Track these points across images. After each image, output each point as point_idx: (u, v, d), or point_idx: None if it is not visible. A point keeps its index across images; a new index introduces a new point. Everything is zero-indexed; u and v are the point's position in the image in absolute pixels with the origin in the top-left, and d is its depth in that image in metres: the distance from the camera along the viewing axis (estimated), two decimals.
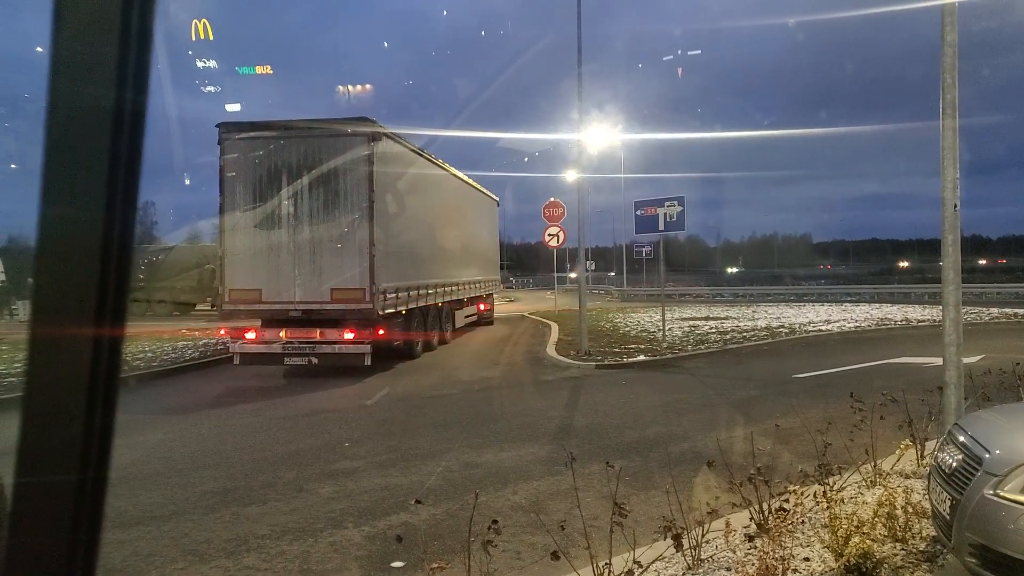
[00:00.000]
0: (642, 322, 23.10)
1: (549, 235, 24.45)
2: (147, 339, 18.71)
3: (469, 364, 14.71)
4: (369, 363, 13.09)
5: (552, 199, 24.95)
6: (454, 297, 18.34)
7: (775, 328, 20.34)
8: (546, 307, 31.11)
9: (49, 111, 0.39)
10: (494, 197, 24.60)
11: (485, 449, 7.40)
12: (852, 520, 4.07)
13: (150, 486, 6.31)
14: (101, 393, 0.42)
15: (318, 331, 13.06)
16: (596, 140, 22.82)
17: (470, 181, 20.76)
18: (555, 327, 20.99)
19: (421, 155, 15.69)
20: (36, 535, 0.42)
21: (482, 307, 23.14)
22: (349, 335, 12.98)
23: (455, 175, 18.96)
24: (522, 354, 16.19)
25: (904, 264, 79.67)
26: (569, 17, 15.24)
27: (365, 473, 6.63)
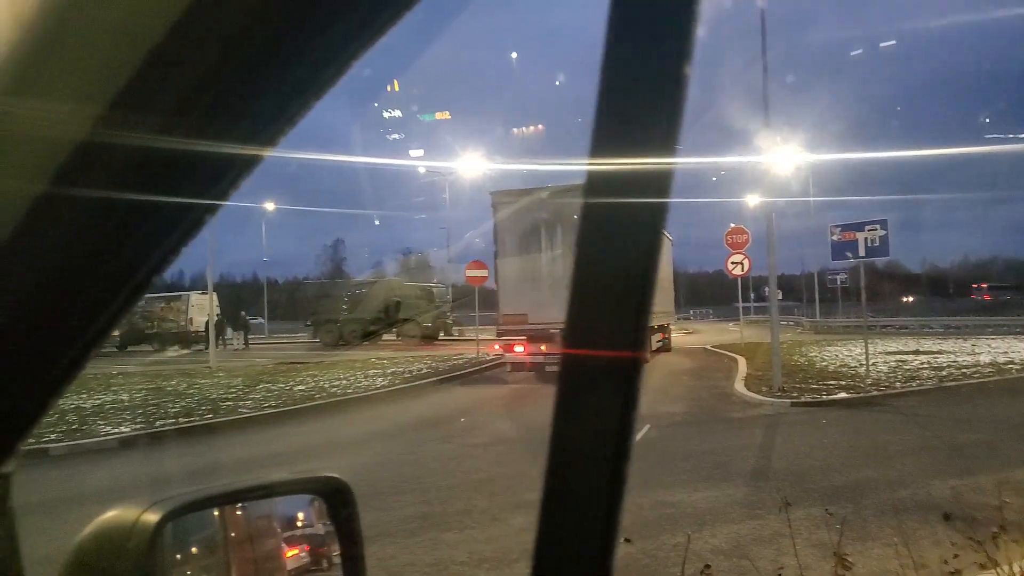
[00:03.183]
0: (840, 356, 21.39)
1: (732, 263, 23.46)
2: (354, 365, 20.12)
3: (654, 398, 14.37)
4: None
5: (734, 225, 23.99)
6: (651, 323, 20.28)
7: (1002, 364, 17.97)
8: (729, 339, 29.78)
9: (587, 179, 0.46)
10: (669, 237, 26.27)
11: (677, 488, 7.11)
12: None
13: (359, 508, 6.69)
14: (624, 414, 0.46)
15: None
16: (783, 161, 21.64)
17: None
18: (742, 361, 19.99)
19: None
20: (565, 541, 0.47)
21: (663, 336, 24.24)
22: None
23: None
24: (708, 389, 15.56)
25: None
26: (752, 30, 14.74)
27: None
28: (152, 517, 0.70)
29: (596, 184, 0.46)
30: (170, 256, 0.59)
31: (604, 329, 0.46)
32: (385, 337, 33.25)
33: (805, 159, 30.38)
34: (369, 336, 32.64)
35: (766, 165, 15.80)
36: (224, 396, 14.70)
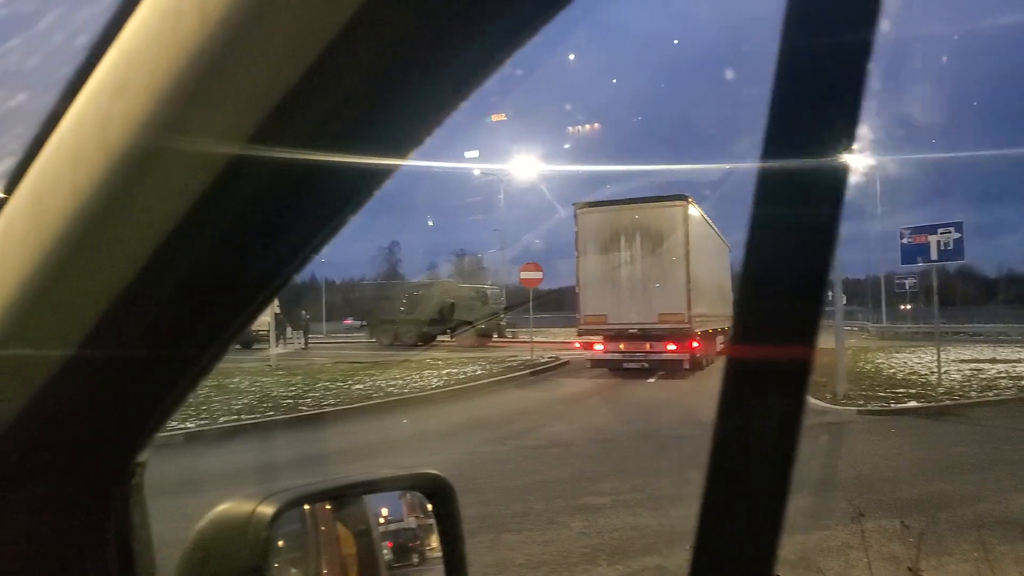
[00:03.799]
0: (909, 363, 20.62)
1: None
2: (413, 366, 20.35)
3: (713, 404, 14.09)
4: (688, 367, 17.67)
5: None
6: (715, 326, 22.12)
7: None
8: None
9: (759, 178, 0.45)
10: (727, 243, 27.18)
11: None
12: None
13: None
14: (794, 413, 0.47)
15: (648, 344, 17.98)
16: (848, 161, 21.10)
17: (716, 230, 24.10)
18: None
19: (704, 217, 20.50)
20: (728, 547, 0.48)
21: (724, 340, 24.27)
22: (672, 347, 17.71)
23: (712, 227, 22.96)
24: None
25: None
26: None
27: (613, 510, 6.51)
28: (268, 510, 0.73)
29: (769, 183, 0.45)
30: (308, 260, 0.61)
31: (776, 327, 0.46)
32: (439, 338, 33.57)
33: (872, 159, 29.45)
34: (424, 337, 32.99)
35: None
36: (285, 394, 15.01)
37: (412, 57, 0.47)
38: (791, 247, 0.45)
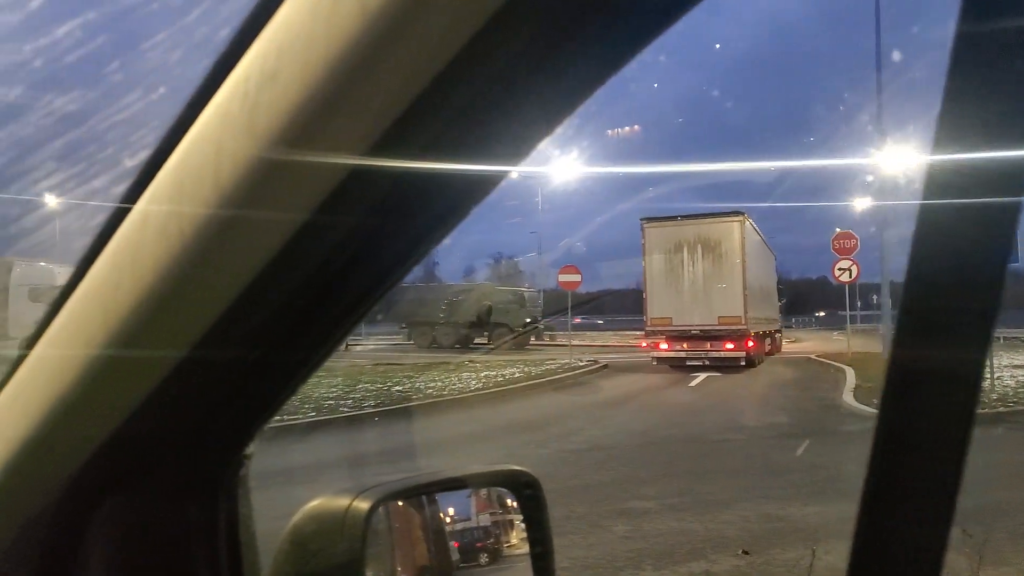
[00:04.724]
0: None
1: (840, 269, 22.44)
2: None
3: (758, 408, 13.94)
4: (744, 364, 19.86)
5: (840, 230, 23.01)
6: (765, 328, 24.08)
7: None
8: (835, 349, 28.38)
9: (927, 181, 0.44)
10: (772, 251, 28.60)
11: (786, 502, 6.80)
12: None
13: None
14: (964, 413, 0.46)
15: (708, 343, 20.14)
16: (899, 160, 20.52)
17: (765, 239, 25.54)
18: (850, 372, 18.99)
19: (755, 228, 22.82)
20: (892, 551, 0.48)
21: (771, 342, 25.82)
22: (730, 346, 19.95)
23: (762, 238, 24.71)
24: (813, 399, 14.90)
25: None
26: (865, 28, 14.07)
27: (658, 515, 6.44)
28: (364, 504, 0.74)
29: (941, 178, 0.44)
30: (415, 264, 0.61)
31: (948, 327, 0.45)
32: (477, 341, 33.70)
33: (922, 159, 28.81)
34: (463, 340, 33.16)
35: (880, 166, 14.99)
36: (325, 395, 15.17)
37: (537, 63, 0.46)
38: (964, 245, 0.43)
